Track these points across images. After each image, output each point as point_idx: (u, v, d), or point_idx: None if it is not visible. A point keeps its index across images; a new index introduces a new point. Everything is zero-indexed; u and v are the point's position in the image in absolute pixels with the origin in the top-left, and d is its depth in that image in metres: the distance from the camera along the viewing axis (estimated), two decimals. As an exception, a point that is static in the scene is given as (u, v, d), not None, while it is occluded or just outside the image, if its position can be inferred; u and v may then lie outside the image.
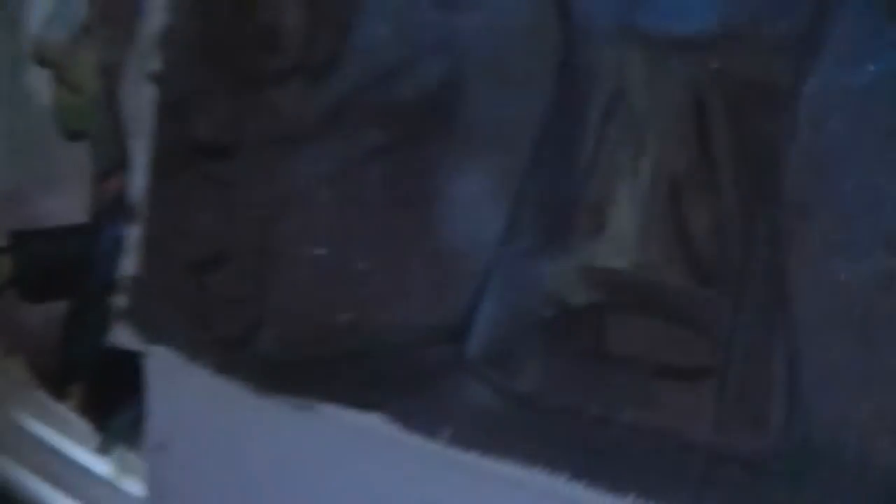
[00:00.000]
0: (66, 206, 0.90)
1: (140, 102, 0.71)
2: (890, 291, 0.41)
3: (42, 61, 0.86)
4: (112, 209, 0.80)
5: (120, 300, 0.71)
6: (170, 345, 0.68)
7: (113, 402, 0.87)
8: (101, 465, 0.96)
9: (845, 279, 0.42)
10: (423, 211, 0.56)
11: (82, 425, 0.96)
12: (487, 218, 0.53)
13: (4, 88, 0.91)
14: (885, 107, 0.42)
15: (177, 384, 0.73)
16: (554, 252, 0.51)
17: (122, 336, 0.71)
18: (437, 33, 0.56)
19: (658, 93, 0.47)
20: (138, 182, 0.69)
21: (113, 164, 0.80)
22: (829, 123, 0.43)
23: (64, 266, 0.94)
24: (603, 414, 0.49)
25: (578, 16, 0.51)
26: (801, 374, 0.44)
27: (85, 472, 0.97)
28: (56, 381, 0.96)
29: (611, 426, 0.49)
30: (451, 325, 0.54)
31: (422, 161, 0.56)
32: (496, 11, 0.54)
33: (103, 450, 0.90)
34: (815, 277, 0.44)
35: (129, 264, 0.70)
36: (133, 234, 0.70)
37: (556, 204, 0.51)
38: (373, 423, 0.57)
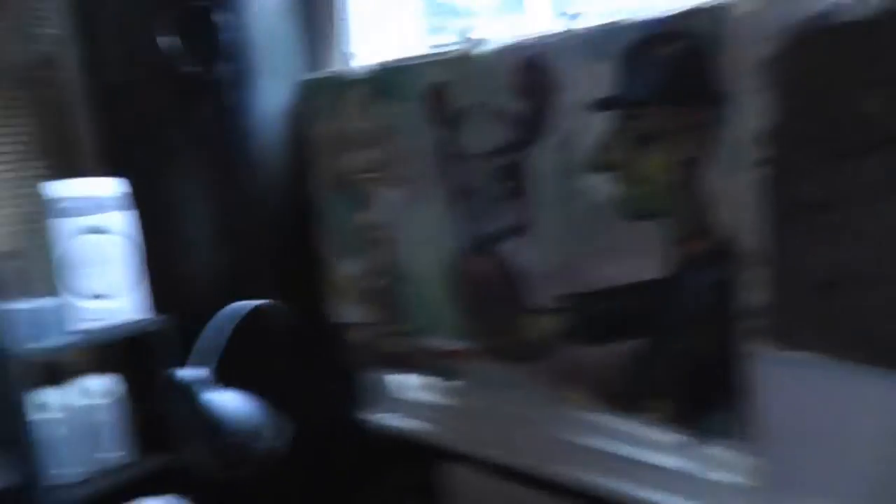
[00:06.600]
0: (623, 271, 1.20)
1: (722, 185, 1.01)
2: None
3: (600, 168, 1.18)
4: (694, 264, 1.08)
5: (754, 322, 0.99)
6: (808, 350, 0.94)
7: (698, 411, 1.14)
8: (678, 462, 1.24)
9: None
10: None
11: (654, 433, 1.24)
12: None
13: (560, 192, 1.25)
14: None
15: (787, 381, 0.98)
16: None
17: (759, 349, 0.98)
18: None
19: None
20: (756, 235, 0.97)
21: (690, 232, 1.08)
22: None
23: (615, 315, 1.24)
24: None
25: None
26: None
27: (661, 470, 1.26)
28: (623, 402, 1.25)
29: None
30: None
31: None
32: None
33: (688, 448, 1.17)
34: None
35: (755, 297, 0.98)
36: (753, 274, 0.98)
37: None
38: None
